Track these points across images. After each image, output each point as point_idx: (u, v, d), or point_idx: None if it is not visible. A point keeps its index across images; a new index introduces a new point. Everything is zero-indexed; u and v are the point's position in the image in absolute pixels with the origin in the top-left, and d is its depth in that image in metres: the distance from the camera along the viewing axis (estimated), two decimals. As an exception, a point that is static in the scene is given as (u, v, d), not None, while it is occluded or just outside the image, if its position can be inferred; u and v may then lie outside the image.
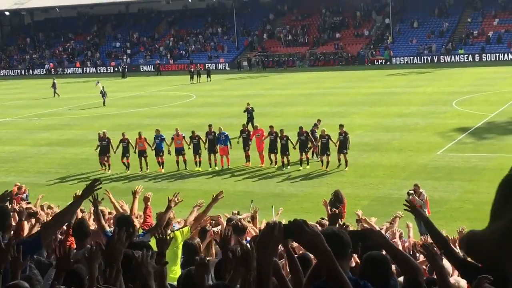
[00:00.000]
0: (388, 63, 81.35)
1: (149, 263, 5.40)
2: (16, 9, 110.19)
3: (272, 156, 30.98)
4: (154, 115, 49.15)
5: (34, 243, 6.42)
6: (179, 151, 31.44)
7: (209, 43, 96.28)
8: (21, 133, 44.58)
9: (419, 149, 32.58)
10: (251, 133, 32.32)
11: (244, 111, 39.97)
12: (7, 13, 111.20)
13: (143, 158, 31.44)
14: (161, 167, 31.40)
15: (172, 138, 31.75)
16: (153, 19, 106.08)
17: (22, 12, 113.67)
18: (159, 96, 61.91)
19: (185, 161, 31.44)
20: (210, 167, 31.24)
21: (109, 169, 31.59)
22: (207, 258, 9.62)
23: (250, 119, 39.34)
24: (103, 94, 55.55)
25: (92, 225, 11.25)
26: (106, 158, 31.75)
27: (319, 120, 33.19)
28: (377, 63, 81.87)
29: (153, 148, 31.52)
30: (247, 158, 31.44)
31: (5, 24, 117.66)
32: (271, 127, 31.29)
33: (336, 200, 20.40)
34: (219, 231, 12.09)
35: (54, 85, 66.96)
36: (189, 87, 68.21)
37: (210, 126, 32.10)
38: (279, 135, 30.48)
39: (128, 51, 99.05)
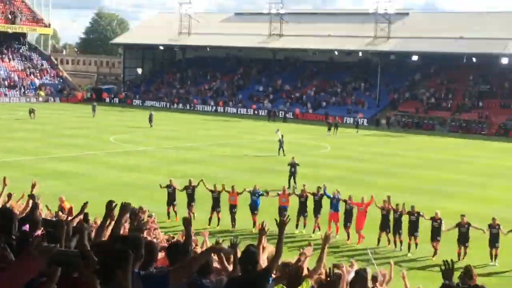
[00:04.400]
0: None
1: None
2: (170, 44, 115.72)
3: (383, 235, 26.94)
4: (288, 161, 49.40)
5: (162, 280, 6.10)
6: (282, 210, 28.38)
7: (350, 97, 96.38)
8: (159, 163, 46.24)
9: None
10: (353, 203, 27.75)
11: (288, 165, 38.27)
12: (161, 47, 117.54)
13: (233, 214, 29.23)
14: (255, 226, 27.89)
15: (278, 194, 29.42)
16: (297, 68, 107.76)
17: (175, 49, 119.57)
18: (295, 143, 62.39)
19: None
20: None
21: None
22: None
23: (293, 173, 37.36)
24: (281, 143, 52.93)
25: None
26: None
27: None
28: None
29: (239, 193, 29.31)
30: (348, 235, 27.73)
31: (158, 58, 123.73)
32: (385, 202, 27.10)
33: (466, 275, 19.54)
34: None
35: (150, 117, 72.05)
36: (325, 138, 68.32)
37: (318, 187, 29.22)
38: (395, 210, 26.56)
39: (270, 96, 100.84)
